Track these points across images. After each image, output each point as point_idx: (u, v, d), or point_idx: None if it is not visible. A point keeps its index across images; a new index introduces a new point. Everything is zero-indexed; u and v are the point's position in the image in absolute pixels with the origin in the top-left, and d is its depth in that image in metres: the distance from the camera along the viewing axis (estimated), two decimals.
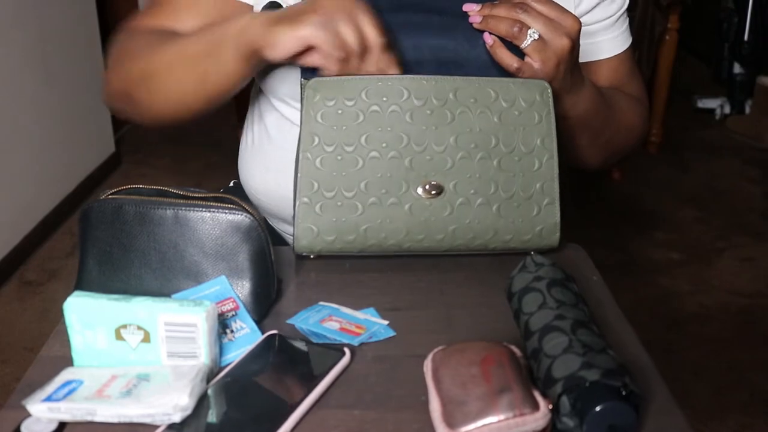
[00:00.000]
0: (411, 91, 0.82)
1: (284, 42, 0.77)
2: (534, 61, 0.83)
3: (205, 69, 0.85)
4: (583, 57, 0.96)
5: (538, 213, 0.85)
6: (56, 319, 0.74)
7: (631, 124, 1.05)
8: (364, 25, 0.77)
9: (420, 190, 0.83)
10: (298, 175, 0.83)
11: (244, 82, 0.87)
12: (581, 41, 0.94)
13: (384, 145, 0.82)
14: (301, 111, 0.82)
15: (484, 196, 0.84)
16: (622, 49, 1.06)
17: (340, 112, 0.81)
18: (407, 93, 0.82)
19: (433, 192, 0.83)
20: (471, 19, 0.85)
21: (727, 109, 3.91)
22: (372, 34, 0.78)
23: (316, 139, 0.82)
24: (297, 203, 0.83)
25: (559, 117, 0.87)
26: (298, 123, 0.93)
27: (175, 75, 0.88)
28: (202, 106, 0.90)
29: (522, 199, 0.85)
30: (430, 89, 0.82)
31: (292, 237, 0.96)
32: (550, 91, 0.84)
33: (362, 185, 0.82)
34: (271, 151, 0.99)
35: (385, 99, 0.82)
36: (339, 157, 0.82)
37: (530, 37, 0.82)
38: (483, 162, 0.83)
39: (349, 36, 0.77)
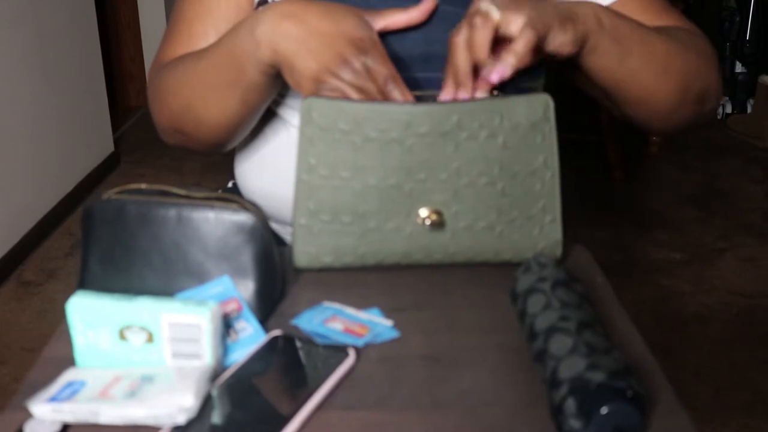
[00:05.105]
0: (412, 121, 0.77)
1: (304, 87, 0.78)
2: (521, 21, 0.75)
3: (238, 94, 0.84)
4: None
5: (540, 232, 0.83)
6: (55, 319, 0.74)
7: (682, 51, 0.88)
8: (372, 65, 0.78)
9: (420, 218, 0.80)
10: (295, 197, 0.81)
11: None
12: None
13: (383, 174, 0.79)
14: (299, 128, 0.79)
15: (486, 221, 0.81)
16: None
17: (337, 137, 0.78)
18: (408, 122, 0.77)
19: (434, 222, 0.80)
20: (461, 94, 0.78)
21: (728, 109, 3.91)
22: (382, 71, 0.78)
23: (312, 162, 0.79)
24: (294, 225, 0.81)
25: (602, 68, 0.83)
26: (294, 123, 0.92)
27: (211, 104, 0.87)
28: (253, 116, 0.89)
29: (524, 219, 0.82)
30: (433, 117, 0.77)
31: (290, 237, 0.95)
32: (552, 104, 0.79)
33: (360, 211, 0.80)
34: (267, 152, 0.97)
35: (384, 128, 0.77)
36: (336, 184, 0.79)
37: (491, 8, 0.75)
38: (486, 188, 0.80)
39: (365, 84, 0.78)
